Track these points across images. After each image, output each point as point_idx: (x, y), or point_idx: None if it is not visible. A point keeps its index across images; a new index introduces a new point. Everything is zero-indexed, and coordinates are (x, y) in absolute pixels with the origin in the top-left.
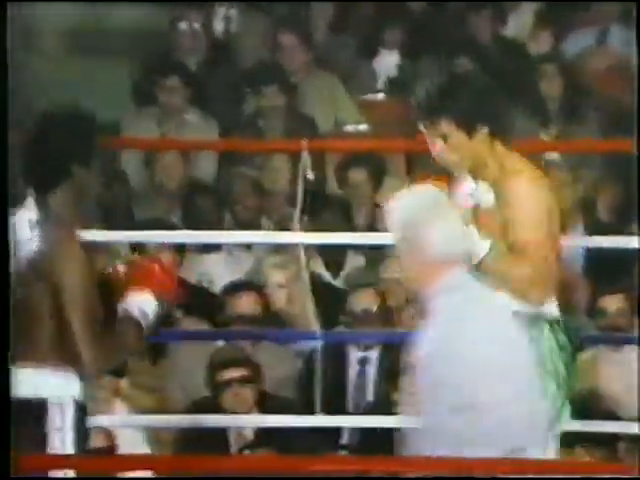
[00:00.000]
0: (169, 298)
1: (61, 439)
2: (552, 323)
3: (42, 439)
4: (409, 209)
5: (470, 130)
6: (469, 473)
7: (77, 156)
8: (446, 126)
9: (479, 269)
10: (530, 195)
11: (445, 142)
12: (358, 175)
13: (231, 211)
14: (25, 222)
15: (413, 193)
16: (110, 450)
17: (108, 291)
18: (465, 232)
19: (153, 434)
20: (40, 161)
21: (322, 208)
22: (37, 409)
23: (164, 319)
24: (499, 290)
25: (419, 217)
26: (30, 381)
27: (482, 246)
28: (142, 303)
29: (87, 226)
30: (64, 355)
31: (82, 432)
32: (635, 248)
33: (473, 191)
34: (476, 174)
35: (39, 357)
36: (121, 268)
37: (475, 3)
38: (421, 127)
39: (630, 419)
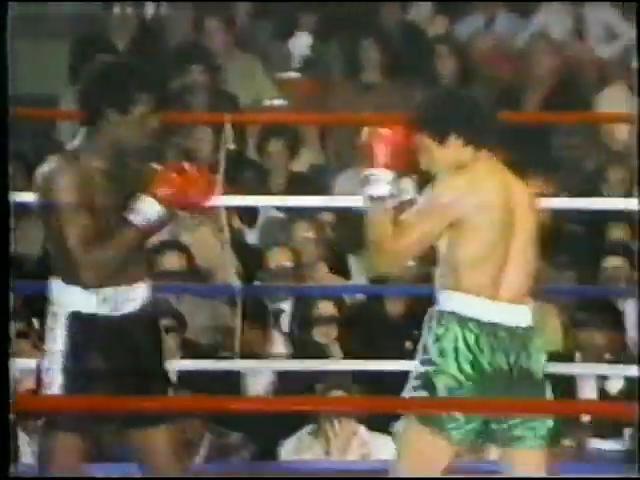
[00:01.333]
0: (175, 204)
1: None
2: (465, 322)
3: None
4: None
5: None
6: (445, 410)
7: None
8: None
9: None
10: (442, 188)
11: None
12: (275, 145)
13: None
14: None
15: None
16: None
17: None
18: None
19: None
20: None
21: (241, 174)
22: None
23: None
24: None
25: None
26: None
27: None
28: (145, 207)
29: None
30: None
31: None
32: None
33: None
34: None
35: None
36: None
37: None
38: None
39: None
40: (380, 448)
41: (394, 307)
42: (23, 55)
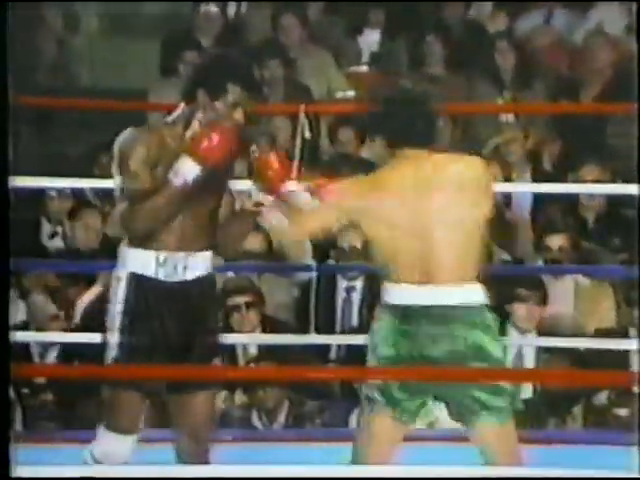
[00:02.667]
0: (213, 163)
1: None
2: (389, 309)
3: None
4: None
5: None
6: (441, 379)
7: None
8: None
9: None
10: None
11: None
12: (346, 134)
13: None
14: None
15: None
16: None
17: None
18: None
19: None
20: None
21: (316, 161)
22: None
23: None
24: None
25: None
26: None
27: None
28: (183, 168)
29: None
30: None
31: None
32: (572, 194)
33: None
34: None
35: None
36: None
37: None
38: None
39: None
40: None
41: None
42: (116, 51)
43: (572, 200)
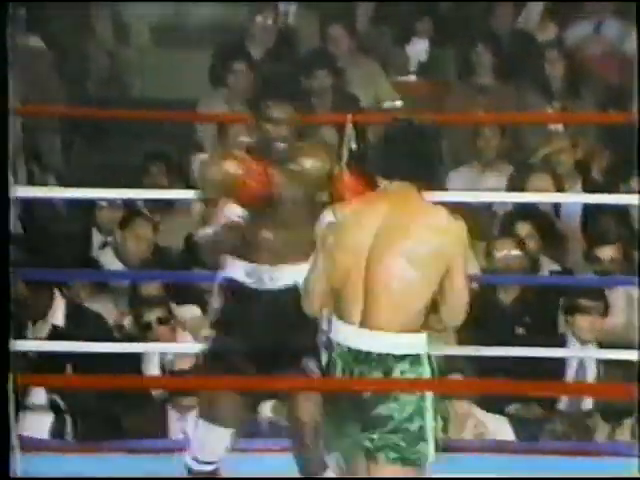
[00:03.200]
0: (255, 205)
1: None
2: (333, 346)
3: None
4: None
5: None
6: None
7: None
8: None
9: None
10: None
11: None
12: None
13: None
14: None
15: None
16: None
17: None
18: None
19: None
20: None
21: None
22: None
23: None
24: None
25: None
26: None
27: None
28: (227, 210)
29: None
30: None
31: None
32: (625, 204)
33: None
34: None
35: None
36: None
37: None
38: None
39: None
40: (495, 429)
41: (506, 295)
42: (166, 62)
43: (622, 211)
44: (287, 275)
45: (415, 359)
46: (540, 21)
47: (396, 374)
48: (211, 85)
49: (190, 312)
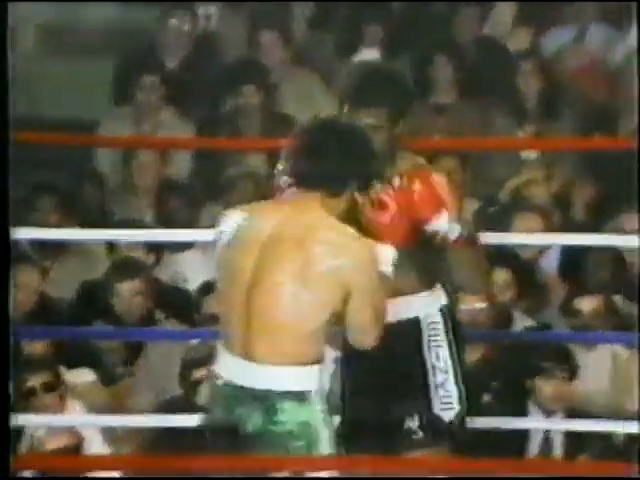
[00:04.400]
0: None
1: None
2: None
3: None
4: None
5: None
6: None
7: None
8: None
9: None
10: None
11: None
12: None
13: (212, 209)
14: None
15: None
16: (74, 449)
17: None
18: None
19: (118, 433)
20: None
21: None
22: None
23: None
24: None
25: None
26: None
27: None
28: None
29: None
30: None
31: None
32: (610, 246)
33: None
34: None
35: None
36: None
37: (458, 3)
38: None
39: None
40: None
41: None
42: (58, 73)
43: (609, 254)
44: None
45: (301, 396)
46: (512, 27)
47: (279, 414)
48: (114, 102)
49: (82, 377)
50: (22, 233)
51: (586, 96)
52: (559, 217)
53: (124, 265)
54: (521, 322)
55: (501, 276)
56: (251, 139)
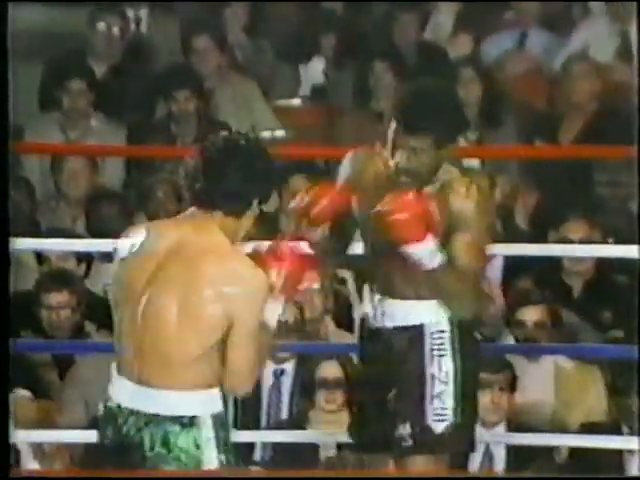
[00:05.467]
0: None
1: None
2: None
3: None
4: None
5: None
6: None
7: None
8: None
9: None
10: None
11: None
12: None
13: (149, 219)
14: None
15: None
16: None
17: None
18: None
19: (47, 449)
20: None
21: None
22: None
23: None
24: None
25: None
26: None
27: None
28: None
29: None
30: None
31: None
32: (553, 256)
33: None
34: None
35: None
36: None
37: (397, 6)
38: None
39: (546, 431)
40: None
41: None
42: None
43: (552, 264)
44: (400, 313)
45: (191, 421)
46: (452, 33)
47: (167, 439)
48: (40, 108)
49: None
50: None
51: (527, 103)
52: (502, 226)
53: (53, 276)
54: None
55: None
56: (186, 147)
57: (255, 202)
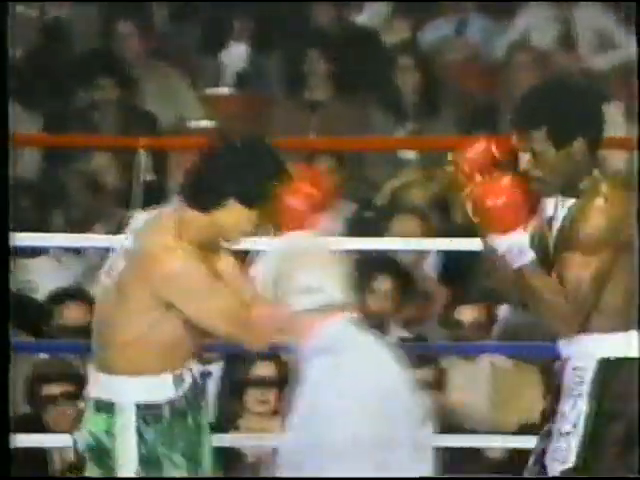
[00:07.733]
0: None
1: None
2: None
3: None
4: (274, 260)
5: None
6: None
7: None
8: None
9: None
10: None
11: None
12: None
13: (63, 212)
14: None
15: (279, 243)
16: None
17: None
18: (334, 280)
19: None
20: None
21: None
22: None
23: None
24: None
25: (283, 267)
26: None
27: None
28: None
29: None
30: None
31: None
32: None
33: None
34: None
35: None
36: None
37: None
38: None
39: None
40: None
41: None
42: None
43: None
44: None
45: (107, 406)
46: (389, 18)
47: (87, 423)
48: None
49: None
50: None
51: (466, 91)
52: (439, 220)
53: None
54: (396, 333)
55: (380, 284)
56: (108, 137)
57: (232, 199)
